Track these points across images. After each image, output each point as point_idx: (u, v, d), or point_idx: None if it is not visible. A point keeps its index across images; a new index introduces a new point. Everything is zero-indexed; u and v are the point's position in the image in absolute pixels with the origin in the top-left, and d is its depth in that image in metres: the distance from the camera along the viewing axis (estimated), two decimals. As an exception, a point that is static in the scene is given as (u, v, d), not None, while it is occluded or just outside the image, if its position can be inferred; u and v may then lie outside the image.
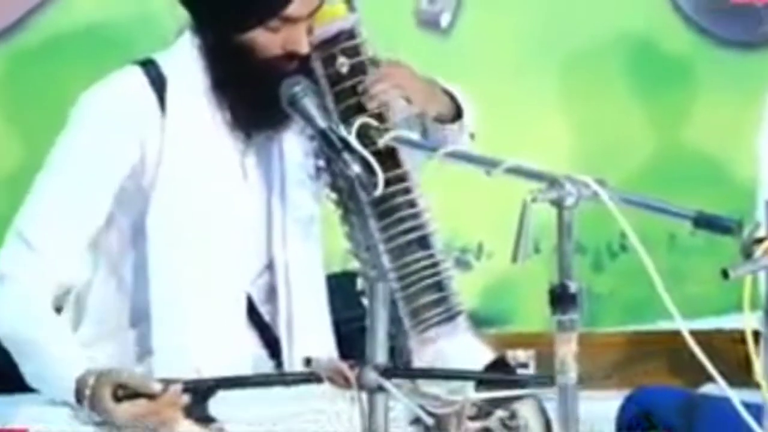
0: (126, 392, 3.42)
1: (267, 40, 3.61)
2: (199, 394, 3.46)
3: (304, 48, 3.61)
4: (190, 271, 3.68)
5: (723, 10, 5.28)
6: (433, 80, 3.74)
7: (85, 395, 3.44)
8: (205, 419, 3.49)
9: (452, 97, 3.74)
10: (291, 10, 3.56)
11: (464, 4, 4.99)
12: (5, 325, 3.60)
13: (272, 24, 3.59)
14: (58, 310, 3.70)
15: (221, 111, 3.69)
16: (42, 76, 4.60)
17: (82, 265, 3.68)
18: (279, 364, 3.74)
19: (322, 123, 3.54)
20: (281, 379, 3.59)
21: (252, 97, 3.66)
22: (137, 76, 3.69)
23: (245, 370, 3.66)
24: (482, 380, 3.43)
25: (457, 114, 3.73)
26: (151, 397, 3.43)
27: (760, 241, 3.02)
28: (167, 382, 3.42)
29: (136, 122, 3.66)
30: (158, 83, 3.68)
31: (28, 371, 3.56)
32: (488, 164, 3.19)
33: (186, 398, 3.43)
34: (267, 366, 3.74)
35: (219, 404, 3.50)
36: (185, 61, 3.70)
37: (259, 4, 3.61)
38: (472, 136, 3.66)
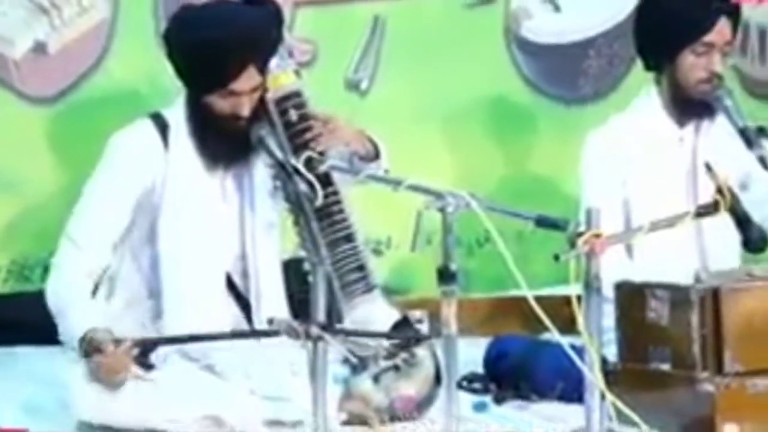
0: (95, 347, 3.42)
1: (220, 104, 3.65)
2: (145, 346, 3.48)
3: (245, 113, 3.63)
4: (188, 259, 3.71)
5: (553, 75, 5.27)
6: (362, 131, 3.82)
7: (81, 347, 3.46)
8: (148, 366, 3.50)
9: (373, 143, 3.75)
10: (235, 86, 3.60)
11: (378, 75, 4.98)
12: (51, 299, 3.63)
13: (222, 93, 3.60)
14: (96, 287, 3.67)
15: (202, 148, 3.70)
16: (85, 123, 4.57)
17: (112, 256, 3.66)
18: (250, 322, 3.75)
19: (279, 155, 3.59)
20: (253, 333, 3.64)
21: (216, 140, 3.69)
22: (148, 125, 3.75)
23: (227, 327, 3.68)
24: (392, 330, 3.45)
25: (376, 155, 3.74)
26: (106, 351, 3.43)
27: (579, 235, 3.06)
28: (118, 341, 3.43)
29: (147, 157, 3.72)
30: (162, 129, 3.74)
31: (59, 331, 3.59)
32: (394, 183, 3.23)
33: (135, 351, 3.45)
34: (243, 324, 3.74)
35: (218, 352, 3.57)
36: (180, 113, 3.75)
37: (212, 78, 3.61)
38: (386, 171, 3.69)
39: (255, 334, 3.59)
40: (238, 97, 3.60)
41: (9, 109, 4.58)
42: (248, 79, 3.60)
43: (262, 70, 3.65)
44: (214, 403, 3.46)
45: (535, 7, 5.24)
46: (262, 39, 3.66)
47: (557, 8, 5.28)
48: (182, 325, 3.61)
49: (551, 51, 5.28)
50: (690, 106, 3.87)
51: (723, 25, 3.80)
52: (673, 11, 3.81)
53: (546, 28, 5.24)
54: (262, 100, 3.70)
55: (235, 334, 3.61)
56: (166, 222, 3.69)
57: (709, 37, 3.78)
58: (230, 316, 3.74)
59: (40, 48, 4.63)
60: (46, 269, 4.52)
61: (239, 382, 3.55)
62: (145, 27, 4.67)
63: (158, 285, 3.69)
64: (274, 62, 3.74)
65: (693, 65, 3.81)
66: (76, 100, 4.66)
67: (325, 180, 3.60)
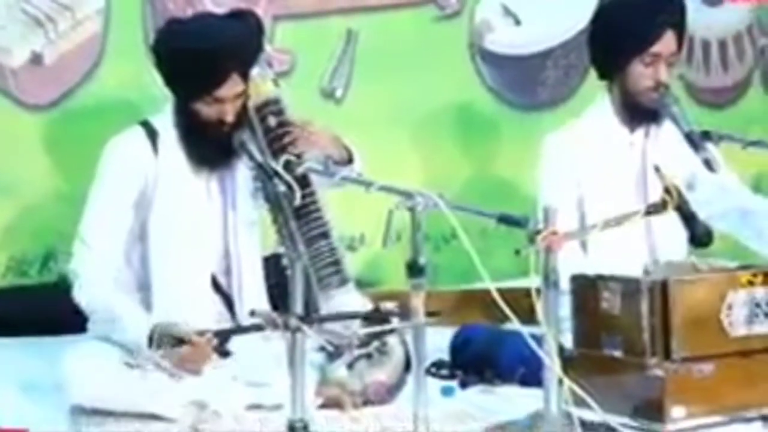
0: (176, 340, 3.42)
1: (206, 110, 3.63)
2: (223, 337, 3.50)
3: (229, 118, 3.62)
4: (175, 256, 3.69)
5: (514, 84, 5.29)
6: (337, 136, 3.81)
7: (152, 342, 3.43)
8: (226, 353, 3.52)
9: (347, 148, 3.76)
10: (220, 93, 3.59)
11: (352, 84, 4.99)
12: (88, 307, 3.61)
13: (208, 100, 3.59)
14: None
15: (188, 152, 3.68)
16: (79, 130, 4.56)
17: (122, 255, 3.65)
18: (233, 316, 3.73)
19: (259, 158, 3.58)
20: (241, 329, 3.60)
21: (202, 144, 3.67)
22: (138, 132, 3.74)
23: (212, 321, 3.66)
24: (365, 320, 3.44)
25: (350, 159, 3.75)
26: (193, 343, 3.43)
27: (538, 232, 3.07)
28: (202, 333, 3.45)
29: (139, 162, 3.70)
30: (152, 136, 3.72)
31: (99, 329, 3.57)
32: (367, 184, 3.23)
33: (215, 341, 3.46)
34: (226, 317, 3.73)
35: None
36: (168, 120, 3.73)
37: (199, 86, 3.60)
38: (359, 173, 3.68)
39: (253, 328, 3.51)
40: (223, 104, 3.59)
41: (7, 116, 4.57)
42: (232, 86, 3.59)
43: (245, 77, 3.64)
44: (199, 388, 3.45)
45: (497, 22, 5.27)
46: (244, 49, 3.66)
47: (518, 22, 5.30)
48: (170, 315, 3.56)
49: (512, 62, 5.30)
50: (639, 112, 3.87)
51: (669, 38, 3.80)
52: (622, 25, 3.82)
53: (507, 41, 5.30)
54: (244, 107, 3.68)
55: (246, 328, 3.55)
56: (156, 221, 3.67)
57: (655, 49, 3.79)
58: (214, 308, 3.72)
59: (36, 59, 4.64)
60: (42, 265, 4.55)
61: (223, 369, 3.54)
62: (134, 39, 4.69)
63: (147, 279, 3.66)
64: (254, 71, 3.73)
65: (641, 74, 3.81)
66: (70, 107, 4.66)
67: (303, 181, 3.58)
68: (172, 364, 3.42)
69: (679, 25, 3.84)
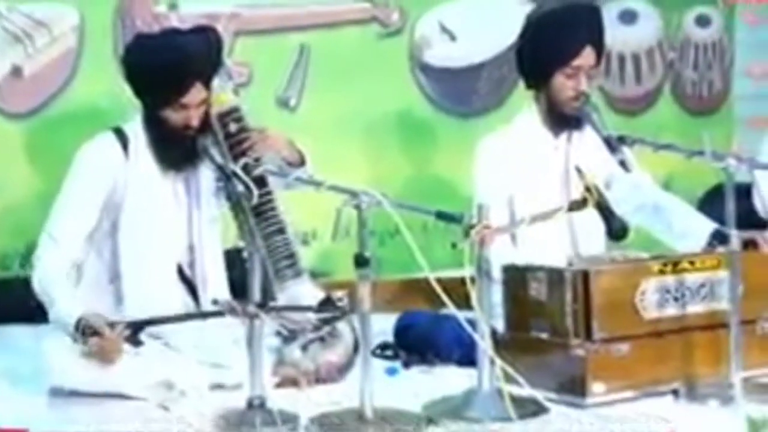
0: (91, 330, 3.36)
1: (173, 116, 3.61)
2: (135, 328, 3.42)
3: (195, 123, 3.61)
4: (144, 250, 3.66)
5: (450, 94, 5.30)
6: (291, 141, 3.81)
7: (77, 331, 3.39)
8: (138, 343, 3.42)
9: (300, 152, 3.76)
10: (185, 100, 3.57)
11: (304, 93, 4.98)
12: (38, 288, 3.54)
13: (174, 107, 3.57)
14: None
15: (156, 156, 3.64)
16: (56, 136, 4.52)
17: (82, 250, 3.58)
18: (197, 304, 3.70)
19: (220, 161, 3.54)
20: (201, 315, 3.55)
21: (169, 148, 3.64)
22: (110, 137, 3.70)
23: (178, 307, 3.65)
24: (317, 307, 3.44)
25: (303, 161, 3.74)
26: (102, 334, 3.38)
27: (472, 227, 3.07)
28: (113, 324, 3.39)
29: (110, 165, 3.66)
30: (123, 141, 3.69)
31: (50, 316, 3.51)
32: (317, 184, 3.22)
33: (127, 332, 3.40)
34: (190, 305, 3.70)
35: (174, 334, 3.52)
36: (138, 127, 3.70)
37: (166, 94, 3.58)
38: (311, 175, 3.66)
39: (214, 314, 3.45)
40: (188, 110, 3.58)
41: (-11, 124, 4.61)
42: (196, 93, 3.58)
43: (207, 86, 3.63)
44: (167, 370, 3.42)
45: (434, 38, 5.28)
46: (205, 59, 3.64)
47: (453, 38, 5.31)
48: (140, 306, 3.56)
49: (448, 74, 5.31)
50: (562, 119, 3.88)
51: (588, 53, 3.82)
52: (546, 40, 3.83)
53: (444, 55, 5.31)
54: (207, 114, 3.66)
55: (200, 315, 3.53)
56: (126, 218, 3.63)
57: (576, 62, 3.80)
58: (180, 298, 3.69)
59: (16, 71, 4.64)
60: (23, 259, 4.51)
61: (188, 352, 3.51)
62: (106, 54, 4.69)
63: (118, 271, 3.62)
64: (216, 82, 3.71)
65: (563, 85, 3.82)
66: (48, 116, 4.66)
67: (260, 182, 3.53)
68: (88, 354, 3.37)
69: (597, 41, 3.86)
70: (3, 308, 4.33)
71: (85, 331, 3.35)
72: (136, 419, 3.16)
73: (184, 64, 3.55)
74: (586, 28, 3.83)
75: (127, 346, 3.39)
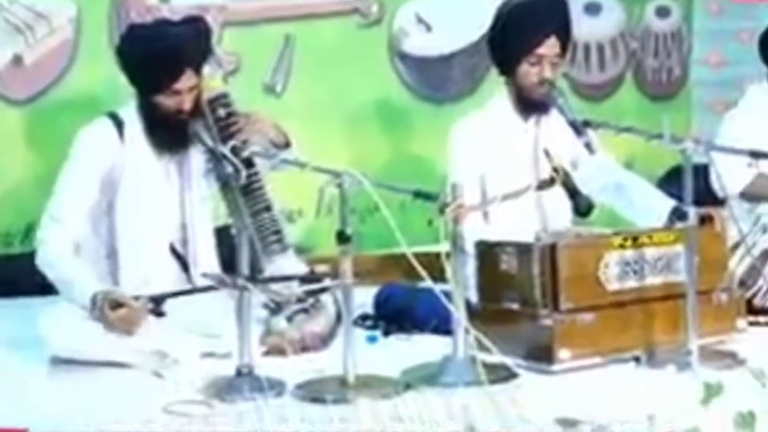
0: (116, 304, 3.36)
1: (166, 102, 3.59)
2: (157, 301, 3.43)
3: (187, 107, 3.59)
4: (139, 228, 3.64)
5: (426, 81, 5.29)
6: (278, 125, 3.77)
7: (95, 305, 3.37)
8: (161, 314, 3.44)
9: (285, 135, 3.75)
10: (177, 85, 3.56)
11: (290, 81, 4.97)
12: (44, 266, 3.52)
13: (167, 93, 3.55)
14: None
15: (150, 140, 3.64)
16: (55, 121, 4.50)
17: (82, 228, 3.56)
18: (189, 278, 3.68)
19: (211, 144, 3.54)
20: (196, 290, 3.56)
21: (163, 132, 3.62)
22: (106, 122, 3.67)
23: (171, 281, 3.64)
24: (302, 280, 3.42)
25: (288, 144, 3.73)
26: (129, 306, 3.38)
27: (447, 205, 3.07)
28: (137, 297, 3.39)
29: (107, 148, 3.64)
30: (119, 125, 3.67)
31: (62, 293, 3.51)
32: (302, 165, 3.22)
33: (150, 305, 3.41)
34: (182, 279, 3.68)
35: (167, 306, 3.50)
36: (133, 112, 3.67)
37: (158, 81, 3.56)
38: (296, 156, 3.66)
39: (213, 288, 3.41)
40: (180, 95, 3.55)
41: (-9, 110, 4.57)
42: (187, 79, 3.56)
43: (198, 72, 3.60)
44: (160, 340, 3.41)
45: (411, 28, 5.28)
46: (196, 47, 3.62)
47: (429, 29, 5.31)
48: (135, 279, 3.56)
49: (425, 62, 5.32)
50: (530, 104, 3.88)
51: (552, 42, 3.81)
52: (513, 30, 3.83)
53: (420, 45, 5.31)
54: (198, 99, 3.63)
55: (204, 288, 3.47)
56: (122, 198, 3.61)
57: (540, 50, 3.80)
58: (173, 273, 3.67)
59: (17, 60, 4.62)
60: (24, 236, 4.50)
61: (180, 323, 3.50)
62: (102, 44, 4.68)
63: (115, 247, 3.61)
64: (206, 70, 3.68)
65: (528, 72, 3.82)
66: (47, 102, 4.64)
67: (248, 163, 3.52)
68: (107, 325, 3.35)
69: (562, 31, 3.86)
70: (6, 282, 4.32)
71: (104, 304, 3.33)
72: (131, 386, 3.17)
73: (175, 51, 3.53)
74: (550, 19, 3.82)
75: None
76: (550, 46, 3.81)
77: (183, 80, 3.55)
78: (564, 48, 3.88)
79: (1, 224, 4.55)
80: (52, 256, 3.50)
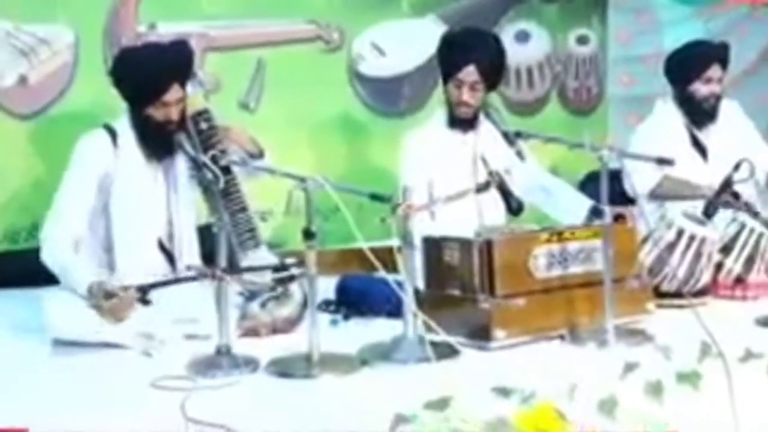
0: (108, 294, 3.29)
1: (156, 113, 3.54)
2: (144, 291, 3.36)
3: (174, 118, 3.54)
4: (131, 225, 3.60)
5: (381, 98, 5.29)
6: (252, 137, 3.76)
7: (91, 294, 3.31)
8: (147, 302, 3.37)
9: (259, 146, 3.75)
10: (166, 98, 3.50)
11: (262, 99, 4.95)
12: (49, 260, 3.46)
13: (156, 105, 3.51)
14: None
15: (141, 148, 3.62)
16: (55, 133, 4.46)
17: (82, 227, 3.52)
18: (174, 270, 3.64)
19: (193, 154, 3.50)
20: (180, 279, 3.47)
21: (152, 141, 3.62)
22: (102, 133, 3.63)
23: (160, 273, 3.59)
24: (273, 271, 3.40)
25: (261, 154, 3.72)
26: (118, 296, 3.31)
27: (398, 205, 3.07)
28: (126, 288, 3.33)
29: (102, 156, 3.58)
30: (113, 135, 3.61)
31: (63, 282, 3.44)
32: (272, 172, 3.22)
33: (138, 294, 3.34)
34: (169, 271, 3.64)
35: (155, 293, 3.43)
36: (126, 124, 3.62)
37: (147, 95, 3.52)
38: (268, 164, 3.63)
39: (196, 278, 3.33)
40: (168, 107, 3.51)
41: (0, 123, 4.45)
42: (175, 92, 3.52)
43: (183, 86, 3.56)
44: (148, 323, 3.36)
45: (367, 53, 5.26)
46: (181, 63, 3.59)
47: (383, 53, 5.31)
48: (129, 272, 3.50)
49: (379, 82, 5.30)
50: (457, 120, 3.90)
51: (471, 70, 3.84)
52: (439, 57, 3.90)
53: (375, 67, 5.28)
54: (184, 113, 3.58)
55: (188, 278, 3.37)
56: (116, 199, 3.55)
57: (459, 76, 3.83)
58: (161, 265, 3.63)
59: (22, 80, 4.56)
60: (28, 234, 4.45)
61: (167, 309, 3.44)
62: (97, 66, 4.58)
63: (111, 243, 3.56)
64: (189, 89, 3.63)
65: (452, 93, 3.88)
66: (49, 116, 4.55)
67: (226, 170, 3.49)
68: (101, 313, 3.29)
69: (482, 60, 3.86)
70: (13, 274, 4.27)
71: (99, 294, 3.27)
72: (123, 365, 3.13)
73: (162, 66, 3.50)
74: (471, 49, 3.85)
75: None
76: (468, 73, 3.85)
77: (171, 93, 3.50)
78: (486, 75, 3.87)
79: (8, 223, 4.49)
80: (55, 251, 3.44)
